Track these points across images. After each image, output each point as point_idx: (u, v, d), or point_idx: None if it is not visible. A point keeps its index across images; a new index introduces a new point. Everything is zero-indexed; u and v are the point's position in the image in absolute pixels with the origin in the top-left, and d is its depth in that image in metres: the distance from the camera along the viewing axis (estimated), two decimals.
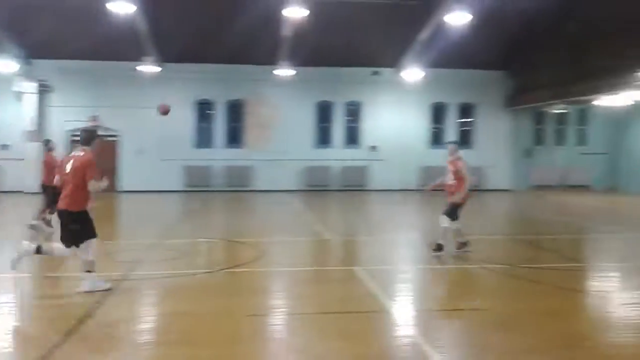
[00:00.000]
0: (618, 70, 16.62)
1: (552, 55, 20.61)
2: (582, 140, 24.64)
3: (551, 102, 21.62)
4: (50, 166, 10.91)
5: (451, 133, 23.75)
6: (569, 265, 8.98)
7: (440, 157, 22.89)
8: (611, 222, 12.70)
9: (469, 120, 24.24)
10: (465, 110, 24.16)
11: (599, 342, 5.40)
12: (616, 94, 17.95)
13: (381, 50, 21.60)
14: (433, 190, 10.03)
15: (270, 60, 21.00)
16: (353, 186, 22.86)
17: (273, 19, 17.97)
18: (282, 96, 22.68)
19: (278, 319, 6.10)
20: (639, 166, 21.93)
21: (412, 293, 7.41)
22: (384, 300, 6.55)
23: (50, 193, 10.25)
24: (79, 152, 6.82)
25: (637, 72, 15.97)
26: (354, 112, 23.70)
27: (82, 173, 6.63)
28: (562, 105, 23.20)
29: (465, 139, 24.03)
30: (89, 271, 6.64)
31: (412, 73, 21.72)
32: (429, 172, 22.98)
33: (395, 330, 5.74)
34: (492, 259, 9.32)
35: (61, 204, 6.69)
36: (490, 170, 23.41)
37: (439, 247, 9.09)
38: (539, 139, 24.53)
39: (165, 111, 10.95)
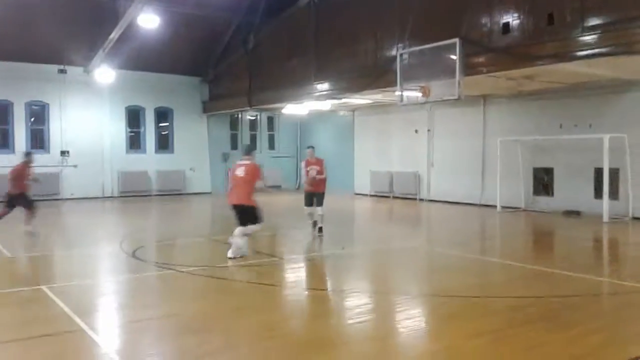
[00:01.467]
0: (299, 81, 18.63)
1: (241, 64, 22.06)
2: (272, 144, 26.90)
3: (242, 109, 23.10)
4: (20, 176, 12.01)
5: (150, 137, 23.41)
6: (263, 261, 9.65)
7: (138, 162, 22.72)
8: (297, 218, 14.14)
9: (166, 124, 24.18)
10: (163, 114, 24.01)
11: (289, 330, 5.92)
12: (299, 102, 20.06)
13: (68, 47, 19.98)
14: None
15: None
16: (42, 195, 20.55)
17: None
18: None
19: None
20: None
21: (108, 307, 6.99)
22: (79, 319, 6.01)
23: (22, 199, 12.05)
24: (246, 161, 9.43)
25: (314, 84, 18.11)
26: (38, 113, 21.38)
27: (252, 176, 9.11)
28: (252, 112, 25.01)
29: (163, 144, 23.98)
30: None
31: (104, 74, 20.68)
32: (128, 178, 22.38)
33: (91, 349, 5.30)
34: (190, 261, 9.46)
35: (235, 200, 9.24)
36: (190, 174, 23.85)
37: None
38: (234, 144, 25.86)
39: None
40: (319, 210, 12.05)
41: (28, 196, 12.35)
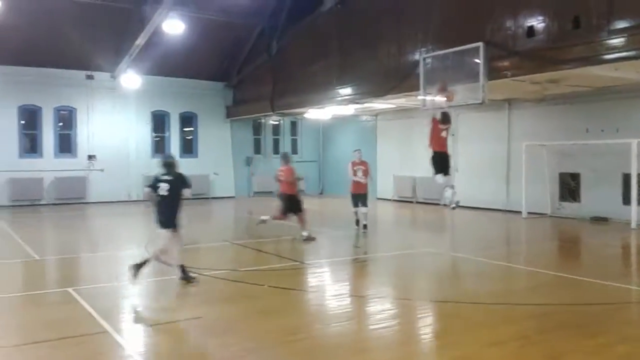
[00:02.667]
0: (322, 86, 18.67)
1: (264, 69, 22.23)
2: (295, 149, 26.97)
3: (265, 113, 23.23)
4: (290, 177, 12.27)
5: (174, 142, 23.68)
6: (286, 265, 9.69)
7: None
8: (320, 223, 14.18)
9: (191, 129, 24.44)
10: (187, 119, 24.28)
11: (312, 334, 5.93)
12: (322, 107, 20.10)
13: (95, 54, 20.37)
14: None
15: None
16: (70, 199, 20.99)
17: None
18: None
19: None
20: (339, 172, 24.90)
21: (133, 310, 7.09)
22: (104, 321, 6.11)
23: (287, 201, 12.18)
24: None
25: (337, 88, 18.14)
26: (66, 119, 21.79)
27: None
28: (275, 117, 25.14)
29: (188, 148, 24.24)
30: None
31: (130, 79, 21.01)
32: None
33: (115, 351, 5.39)
34: (214, 265, 9.54)
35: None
36: (214, 178, 24.06)
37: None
38: (257, 148, 25.99)
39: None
40: (363, 209, 13.12)
41: (299, 198, 12.49)
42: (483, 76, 12.34)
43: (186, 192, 7.89)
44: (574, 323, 6.11)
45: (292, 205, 12.14)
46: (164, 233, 7.88)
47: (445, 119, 10.34)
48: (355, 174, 13.18)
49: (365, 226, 13.12)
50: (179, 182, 7.86)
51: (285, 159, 12.79)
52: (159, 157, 8.91)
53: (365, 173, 13.25)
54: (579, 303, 6.97)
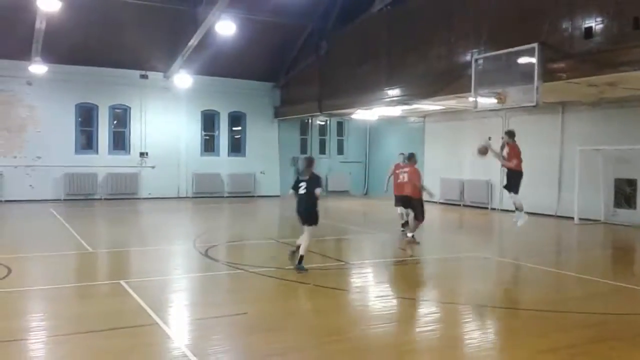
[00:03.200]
0: (370, 87, 18.61)
1: (312, 70, 22.33)
2: (341, 149, 26.98)
3: (312, 114, 23.33)
4: (416, 178, 11.32)
5: (223, 141, 24.07)
6: (331, 265, 9.70)
7: (211, 164, 23.42)
8: (365, 223, 14.13)
9: (239, 129, 24.79)
10: (236, 119, 24.63)
11: (356, 335, 5.91)
12: (369, 108, 20.04)
13: (149, 54, 21.00)
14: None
15: (23, 55, 18.92)
16: (122, 194, 21.63)
17: (25, 9, 16.28)
18: (38, 96, 20.48)
19: (34, 344, 5.43)
20: (383, 173, 24.73)
21: (182, 303, 7.24)
22: (154, 313, 6.27)
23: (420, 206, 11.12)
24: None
25: (385, 89, 18.04)
26: (121, 117, 22.47)
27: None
28: (322, 117, 25.21)
29: (236, 147, 24.59)
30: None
31: (182, 79, 21.48)
32: (202, 179, 23.12)
33: (164, 343, 5.51)
34: (259, 262, 9.63)
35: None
36: (261, 177, 24.33)
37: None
38: (304, 148, 26.13)
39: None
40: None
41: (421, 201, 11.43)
42: (537, 78, 12.03)
43: (317, 191, 8.68)
44: (628, 334, 5.88)
45: (419, 208, 11.05)
46: (309, 229, 8.73)
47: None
48: (398, 176, 12.49)
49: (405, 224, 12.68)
50: (313, 182, 8.70)
51: (412, 159, 11.89)
52: (300, 158, 9.51)
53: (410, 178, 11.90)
54: (633, 313, 6.71)
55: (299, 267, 8.55)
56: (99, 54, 20.26)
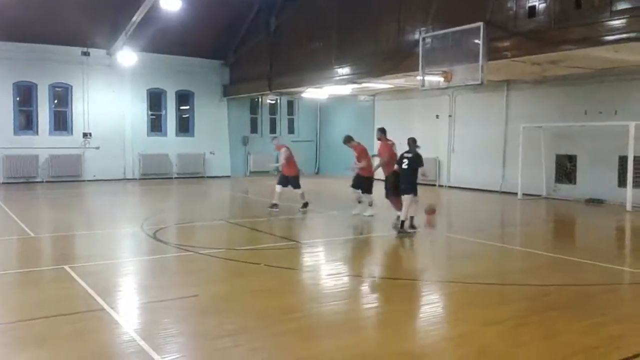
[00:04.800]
0: (320, 65, 18.52)
1: (262, 48, 22.02)
2: (291, 128, 26.86)
3: (262, 92, 23.08)
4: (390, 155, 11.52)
5: (170, 120, 23.56)
6: (282, 245, 9.70)
7: (158, 144, 22.91)
8: (316, 203, 14.16)
9: (187, 108, 24.29)
10: (184, 98, 24.10)
11: (308, 313, 5.94)
12: (320, 87, 19.97)
13: (91, 29, 20.18)
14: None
15: None
16: (65, 176, 20.92)
17: None
18: None
19: None
20: (334, 152, 24.83)
21: (130, 287, 7.09)
22: (100, 299, 6.10)
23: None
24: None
25: (335, 68, 18.00)
26: (62, 95, 21.61)
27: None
28: (273, 96, 24.98)
29: (184, 127, 24.12)
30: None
31: (126, 56, 20.79)
32: (149, 160, 22.59)
33: (111, 329, 5.38)
34: (209, 243, 9.54)
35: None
36: (210, 157, 23.98)
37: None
38: (254, 128, 25.88)
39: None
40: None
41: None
42: (483, 56, 12.25)
43: (420, 170, 10.26)
44: (569, 304, 6.15)
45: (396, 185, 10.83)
46: (406, 197, 10.12)
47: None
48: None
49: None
50: (416, 159, 10.21)
51: (384, 132, 12.00)
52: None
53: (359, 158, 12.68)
54: (573, 284, 7.01)
55: (402, 231, 9.87)
56: (37, 30, 19.31)
